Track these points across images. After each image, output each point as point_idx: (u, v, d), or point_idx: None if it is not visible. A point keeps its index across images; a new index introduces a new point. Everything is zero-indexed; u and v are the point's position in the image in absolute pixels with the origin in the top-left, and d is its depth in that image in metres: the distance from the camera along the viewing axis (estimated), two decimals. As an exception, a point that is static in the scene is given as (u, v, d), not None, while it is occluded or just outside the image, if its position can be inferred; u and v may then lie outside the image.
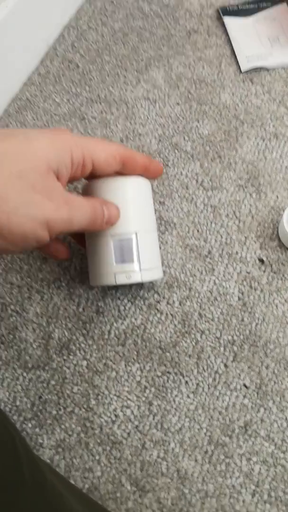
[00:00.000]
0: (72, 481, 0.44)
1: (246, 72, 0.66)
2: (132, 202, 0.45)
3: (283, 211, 0.55)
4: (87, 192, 0.46)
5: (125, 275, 0.44)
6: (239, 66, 0.66)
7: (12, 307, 0.52)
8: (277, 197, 0.56)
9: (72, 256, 0.53)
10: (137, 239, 0.44)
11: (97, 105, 0.64)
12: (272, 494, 0.43)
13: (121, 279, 0.44)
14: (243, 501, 0.43)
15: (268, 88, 0.64)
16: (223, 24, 0.70)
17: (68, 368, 0.49)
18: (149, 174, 0.46)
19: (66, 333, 0.50)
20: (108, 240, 0.44)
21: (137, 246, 0.44)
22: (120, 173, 0.45)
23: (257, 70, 0.66)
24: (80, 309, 0.51)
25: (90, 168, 0.41)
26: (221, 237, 0.54)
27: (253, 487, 0.44)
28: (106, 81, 0.66)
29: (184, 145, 0.60)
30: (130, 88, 0.65)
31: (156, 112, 0.63)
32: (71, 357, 0.49)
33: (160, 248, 0.52)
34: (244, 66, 0.66)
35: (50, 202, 0.36)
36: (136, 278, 0.44)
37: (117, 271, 0.44)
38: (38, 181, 0.36)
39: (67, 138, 0.39)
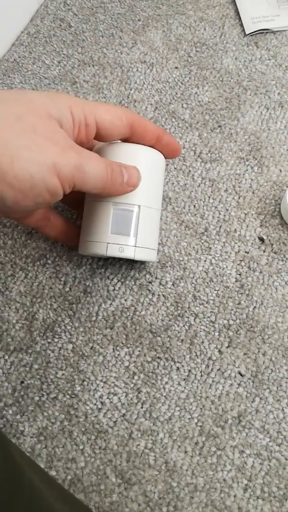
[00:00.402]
0: (54, 472, 0.42)
1: (251, 34, 0.61)
2: (142, 173, 0.41)
3: (286, 186, 0.51)
4: None
5: (118, 247, 0.40)
6: (243, 28, 0.61)
7: (-6, 285, 0.48)
8: (280, 171, 0.52)
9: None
10: (139, 213, 0.41)
11: (90, 68, 0.60)
12: (266, 489, 0.41)
13: (113, 251, 0.41)
14: (235, 496, 0.41)
15: (274, 52, 0.60)
16: (227, -18, 0.65)
17: (53, 351, 0.46)
18: (163, 148, 0.43)
19: (51, 314, 0.47)
20: (108, 207, 0.41)
21: (137, 221, 0.41)
22: (129, 141, 0.42)
23: (263, 32, 0.61)
24: (67, 289, 0.48)
25: (94, 129, 0.38)
26: (219, 213, 0.51)
27: (245, 481, 0.41)
28: (100, 42, 0.61)
29: (182, 113, 0.56)
30: (125, 50, 0.61)
31: (153, 76, 0.59)
32: (55, 339, 0.46)
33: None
34: (248, 28, 0.61)
35: (54, 145, 0.33)
36: (129, 253, 0.41)
37: (110, 242, 0.41)
38: (38, 124, 0.33)
39: (65, 96, 0.37)
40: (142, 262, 0.48)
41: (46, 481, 0.37)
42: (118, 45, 0.61)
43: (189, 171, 0.53)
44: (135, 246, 0.41)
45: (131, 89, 0.58)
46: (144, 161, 0.42)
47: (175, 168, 0.53)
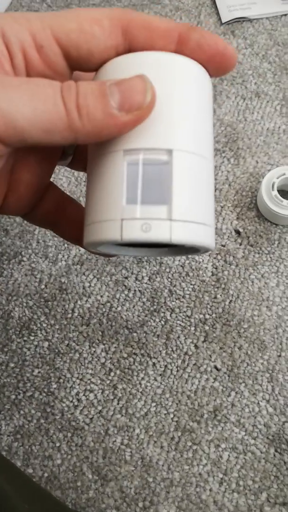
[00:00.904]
0: (30, 470, 0.42)
1: (228, 23, 0.60)
2: (170, 93, 0.22)
3: (263, 178, 0.51)
4: None
5: (140, 224, 0.21)
6: (219, 17, 0.60)
7: None
8: (257, 162, 0.52)
9: (33, 227, 0.50)
10: (172, 162, 0.21)
11: (65, 61, 0.59)
12: (241, 482, 0.41)
13: (132, 232, 0.21)
14: (210, 490, 0.41)
15: (251, 41, 0.59)
16: None
17: (28, 349, 0.46)
18: (196, 55, 0.22)
19: (27, 312, 0.47)
20: (118, 159, 0.22)
21: (169, 175, 0.21)
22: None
23: (240, 21, 0.60)
24: (42, 286, 0.48)
25: (57, 50, 0.22)
26: (195, 207, 0.50)
27: (221, 475, 0.41)
28: (75, 34, 0.61)
29: (158, 105, 0.56)
30: (100, 42, 0.60)
31: (129, 68, 0.58)
32: (31, 337, 0.46)
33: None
34: (225, 17, 0.60)
35: None
36: (161, 232, 0.21)
37: (126, 217, 0.21)
38: None
39: None
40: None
41: (16, 481, 0.37)
42: (93, 36, 0.60)
43: (165, 164, 0.52)
44: (171, 220, 0.21)
45: (106, 82, 0.57)
46: (172, 74, 0.22)
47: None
